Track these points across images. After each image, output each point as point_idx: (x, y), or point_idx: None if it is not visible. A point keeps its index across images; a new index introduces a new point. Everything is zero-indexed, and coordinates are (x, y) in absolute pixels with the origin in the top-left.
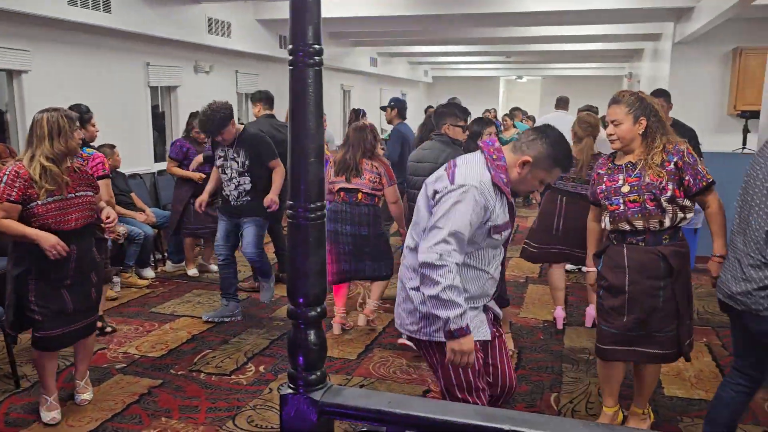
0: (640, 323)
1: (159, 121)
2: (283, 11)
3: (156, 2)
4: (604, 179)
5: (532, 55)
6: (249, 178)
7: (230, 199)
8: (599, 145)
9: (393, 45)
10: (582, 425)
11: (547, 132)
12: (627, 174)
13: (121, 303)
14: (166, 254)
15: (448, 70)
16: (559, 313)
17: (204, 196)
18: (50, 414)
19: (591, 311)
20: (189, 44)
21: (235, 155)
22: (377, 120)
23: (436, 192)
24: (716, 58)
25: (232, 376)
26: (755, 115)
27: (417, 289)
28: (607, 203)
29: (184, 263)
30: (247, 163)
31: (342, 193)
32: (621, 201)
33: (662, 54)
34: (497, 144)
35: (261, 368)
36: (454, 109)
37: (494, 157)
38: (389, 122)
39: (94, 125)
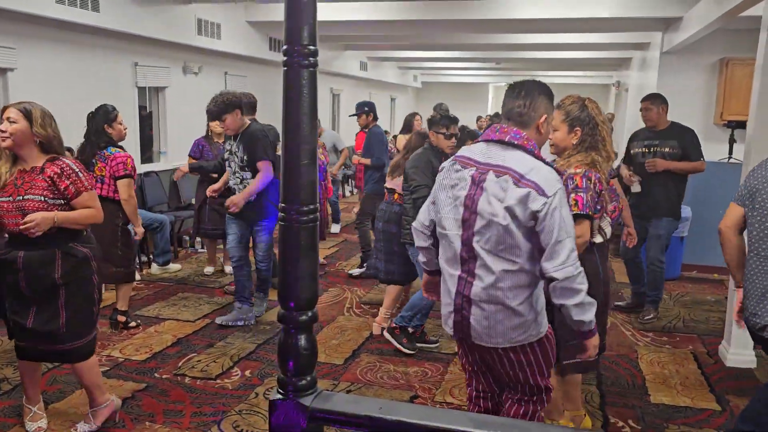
0: None
1: (147, 122)
2: (274, 13)
3: (145, 2)
4: None
5: (521, 62)
6: (250, 174)
7: (236, 193)
8: None
9: (383, 49)
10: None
11: (523, 88)
12: None
13: (104, 305)
14: (152, 256)
15: (437, 76)
16: None
17: (218, 185)
18: (34, 424)
19: None
20: (178, 45)
21: (237, 149)
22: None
23: (536, 212)
24: (703, 68)
25: (218, 381)
26: (741, 125)
27: (523, 303)
28: None
29: (169, 265)
30: (245, 158)
31: (386, 193)
32: None
33: (650, 63)
34: (523, 134)
35: (247, 373)
36: (440, 117)
37: (531, 147)
38: (365, 127)
39: (120, 123)
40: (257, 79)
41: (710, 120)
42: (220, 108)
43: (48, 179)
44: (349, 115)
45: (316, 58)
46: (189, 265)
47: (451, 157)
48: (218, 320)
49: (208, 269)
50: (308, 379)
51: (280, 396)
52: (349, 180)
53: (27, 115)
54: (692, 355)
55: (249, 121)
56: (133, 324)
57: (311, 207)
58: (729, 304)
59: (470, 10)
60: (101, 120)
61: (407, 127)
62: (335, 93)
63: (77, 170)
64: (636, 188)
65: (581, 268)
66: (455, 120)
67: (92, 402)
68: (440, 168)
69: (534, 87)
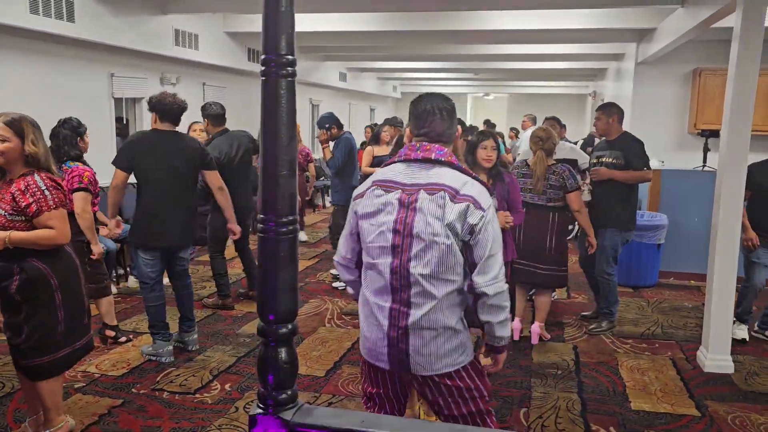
0: None
1: (124, 133)
2: (253, 24)
3: (121, 12)
4: None
5: (499, 73)
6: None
7: None
8: (558, 151)
9: (362, 60)
10: None
11: (438, 104)
12: None
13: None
14: (129, 269)
15: (416, 86)
16: (516, 324)
17: None
18: None
19: (536, 328)
20: (155, 55)
21: None
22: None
23: (473, 226)
24: (677, 78)
25: (197, 395)
26: (715, 133)
27: (458, 320)
28: None
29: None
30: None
31: None
32: None
33: (625, 73)
34: (446, 150)
35: (227, 386)
36: None
37: (458, 163)
38: (333, 139)
39: (86, 136)
40: (236, 90)
41: (684, 129)
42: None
43: (11, 194)
44: (319, 129)
45: (294, 68)
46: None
47: (369, 183)
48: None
49: None
50: (289, 392)
51: (260, 410)
52: (328, 190)
53: (19, 132)
54: (671, 361)
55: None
56: (123, 339)
57: (290, 218)
58: (706, 310)
59: (448, 22)
60: (74, 133)
61: (375, 138)
62: (314, 104)
63: (44, 188)
64: (586, 197)
65: (506, 285)
66: None
67: (47, 422)
68: (355, 195)
69: (446, 102)
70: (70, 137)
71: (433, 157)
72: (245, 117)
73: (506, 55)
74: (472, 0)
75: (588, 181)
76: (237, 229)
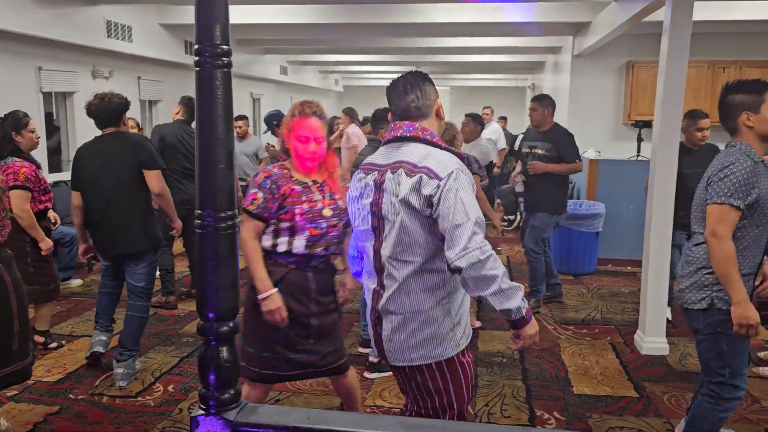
0: None
1: (54, 129)
2: (189, 16)
3: (48, 3)
4: None
5: (441, 66)
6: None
7: None
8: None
9: (304, 53)
10: (501, 429)
11: (407, 82)
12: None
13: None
14: None
15: (359, 80)
16: None
17: None
18: None
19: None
20: (86, 48)
21: None
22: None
23: (429, 197)
24: (611, 71)
25: (139, 398)
26: (648, 124)
27: (435, 307)
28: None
29: (70, 281)
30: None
31: None
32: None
33: (562, 66)
34: (416, 125)
35: (170, 388)
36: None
37: (426, 135)
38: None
39: (32, 131)
40: (173, 84)
41: (619, 120)
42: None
43: None
44: (264, 132)
45: (229, 58)
46: None
47: (360, 169)
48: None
49: None
50: (231, 392)
51: (202, 411)
52: None
53: None
54: (610, 345)
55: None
56: (54, 345)
57: (229, 213)
58: (642, 294)
59: (389, 14)
60: (9, 127)
61: (329, 130)
62: (255, 98)
63: None
64: (519, 188)
65: (491, 252)
66: None
67: None
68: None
69: (417, 77)
70: (3, 132)
71: (399, 135)
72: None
73: (447, 48)
74: None
75: (519, 170)
76: (178, 225)
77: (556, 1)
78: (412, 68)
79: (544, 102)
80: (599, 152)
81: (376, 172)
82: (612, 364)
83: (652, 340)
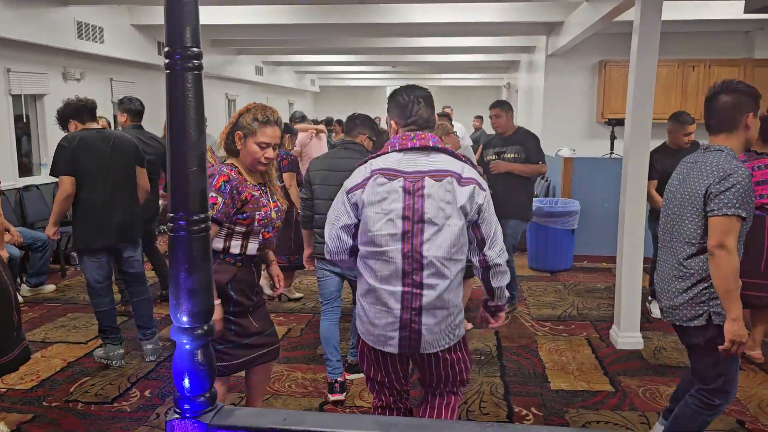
0: None
1: (25, 132)
2: (161, 16)
3: (17, 4)
4: None
5: (417, 66)
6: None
7: None
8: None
9: (279, 54)
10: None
11: (421, 94)
12: None
13: None
14: (24, 276)
15: (335, 80)
16: None
17: None
18: None
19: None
20: (56, 49)
21: None
22: None
23: (480, 205)
24: (584, 70)
25: (115, 404)
26: (621, 122)
27: (459, 296)
28: None
29: (43, 286)
30: None
31: None
32: None
33: (537, 65)
34: (437, 138)
35: (146, 393)
36: (371, 123)
37: (450, 149)
38: None
39: None
40: (146, 85)
41: (593, 118)
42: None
43: None
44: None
45: (200, 60)
46: (80, 283)
47: (364, 173)
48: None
49: None
50: (207, 395)
51: (176, 415)
52: None
53: None
54: (587, 340)
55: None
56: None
57: (202, 216)
58: (617, 290)
59: (364, 14)
60: None
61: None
62: (231, 98)
63: None
64: None
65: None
66: (376, 125)
67: None
68: (350, 187)
69: (424, 91)
70: None
71: (430, 144)
72: (157, 113)
73: (422, 47)
74: None
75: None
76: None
77: (529, 1)
78: (388, 68)
79: (505, 107)
80: (574, 150)
81: (402, 178)
82: (588, 359)
83: (627, 335)
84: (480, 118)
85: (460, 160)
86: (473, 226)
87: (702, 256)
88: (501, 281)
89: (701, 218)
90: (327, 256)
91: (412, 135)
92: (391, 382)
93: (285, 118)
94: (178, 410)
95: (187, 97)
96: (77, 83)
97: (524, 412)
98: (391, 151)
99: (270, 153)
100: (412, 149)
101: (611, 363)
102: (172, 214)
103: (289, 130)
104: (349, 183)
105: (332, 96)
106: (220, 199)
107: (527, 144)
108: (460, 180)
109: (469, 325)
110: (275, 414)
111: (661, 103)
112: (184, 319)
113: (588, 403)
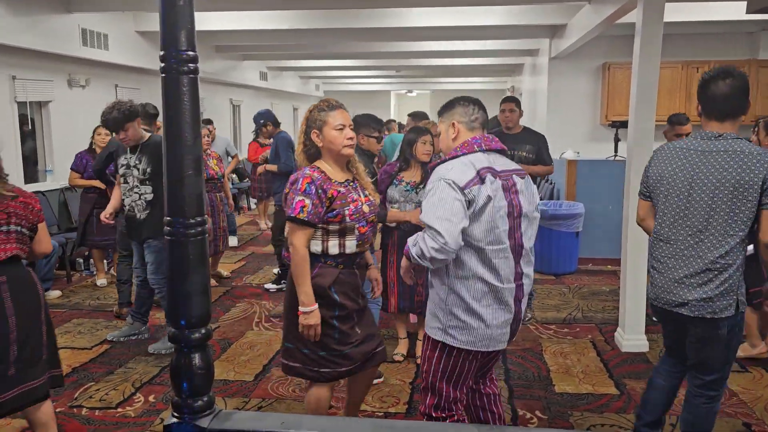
0: None
1: (30, 138)
2: None
3: (22, 12)
4: None
5: (421, 70)
6: (151, 188)
7: (135, 212)
8: None
9: (283, 59)
10: (475, 428)
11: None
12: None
13: None
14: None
15: (339, 84)
16: None
17: (107, 210)
18: None
19: None
20: (61, 56)
21: (137, 162)
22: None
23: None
24: (588, 72)
25: (119, 409)
26: (624, 124)
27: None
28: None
29: (48, 292)
30: (148, 170)
31: None
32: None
33: (540, 68)
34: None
35: (151, 398)
36: (368, 120)
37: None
38: (270, 137)
39: None
40: (151, 91)
41: (597, 120)
42: (122, 117)
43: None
44: (252, 131)
45: (196, 64)
46: (84, 289)
47: (472, 169)
48: (109, 336)
49: (101, 281)
50: (205, 399)
51: (175, 419)
52: (245, 195)
53: None
54: (591, 343)
55: (148, 133)
56: None
57: (198, 219)
58: (622, 293)
59: (368, 19)
60: None
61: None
62: (235, 104)
63: None
64: None
65: None
66: (381, 121)
67: None
68: (465, 183)
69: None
70: None
71: (501, 148)
72: (159, 119)
73: (426, 51)
74: None
75: None
76: None
77: (532, 3)
78: (393, 73)
79: (518, 103)
80: (578, 153)
81: (498, 177)
82: (593, 362)
83: (632, 338)
84: None
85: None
86: None
87: (740, 247)
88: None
89: (748, 209)
90: (441, 256)
91: (491, 138)
92: (468, 384)
93: (290, 124)
94: (176, 414)
95: (183, 101)
96: (82, 90)
97: (528, 415)
98: (477, 151)
99: (349, 132)
100: (493, 150)
101: (616, 366)
102: (168, 218)
103: None
104: (459, 179)
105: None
106: (307, 201)
107: (539, 144)
108: (524, 176)
109: None
110: (273, 417)
111: (665, 105)
112: (182, 323)
113: (593, 406)
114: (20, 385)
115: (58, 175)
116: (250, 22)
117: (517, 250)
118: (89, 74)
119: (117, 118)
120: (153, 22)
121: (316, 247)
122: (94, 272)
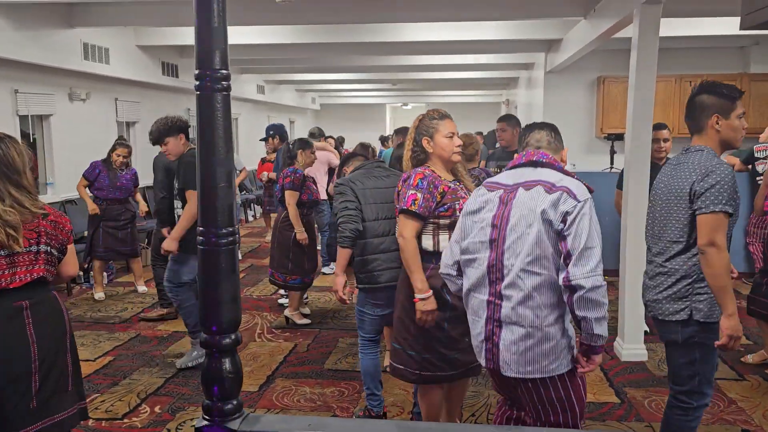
0: None
1: (32, 151)
2: (165, 38)
3: (23, 25)
4: None
5: (417, 83)
6: (180, 203)
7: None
8: None
9: (280, 72)
10: (495, 429)
11: (540, 126)
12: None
13: None
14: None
15: (335, 98)
16: None
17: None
18: None
19: None
20: (62, 70)
21: (176, 177)
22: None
23: (566, 213)
24: (583, 86)
25: (125, 420)
26: (620, 137)
27: (554, 325)
28: None
29: None
30: (176, 185)
31: None
32: None
33: (536, 82)
34: (550, 155)
35: (157, 409)
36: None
37: (559, 165)
38: (273, 150)
39: None
40: (151, 105)
41: (592, 133)
42: (162, 130)
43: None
44: (260, 139)
45: (228, 82)
46: (84, 302)
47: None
48: (179, 364)
49: (99, 295)
50: (234, 402)
51: (206, 422)
52: (251, 204)
53: None
54: None
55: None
56: None
57: (230, 230)
58: (620, 303)
59: (365, 33)
60: None
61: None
62: (233, 117)
63: None
64: None
65: (605, 282)
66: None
67: None
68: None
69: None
70: None
71: (535, 159)
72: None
73: (422, 65)
74: (387, 13)
75: None
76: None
77: (528, 19)
78: (388, 86)
79: (512, 122)
80: (574, 165)
81: (502, 190)
82: (593, 371)
83: (631, 347)
84: (480, 134)
85: (567, 175)
86: (559, 236)
87: (686, 255)
88: (587, 310)
89: (687, 217)
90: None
91: (524, 154)
92: (505, 397)
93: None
94: (207, 417)
95: (217, 117)
96: (83, 103)
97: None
98: (506, 170)
99: (458, 140)
100: (522, 165)
101: (616, 375)
102: (201, 228)
103: (303, 146)
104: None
105: (333, 114)
106: (419, 195)
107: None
108: (551, 189)
109: None
110: (300, 420)
111: (660, 118)
112: (213, 329)
113: (594, 415)
114: (44, 419)
115: (59, 188)
116: (250, 36)
117: (497, 266)
118: (90, 88)
119: (154, 131)
120: (153, 36)
121: (427, 241)
122: (93, 284)
